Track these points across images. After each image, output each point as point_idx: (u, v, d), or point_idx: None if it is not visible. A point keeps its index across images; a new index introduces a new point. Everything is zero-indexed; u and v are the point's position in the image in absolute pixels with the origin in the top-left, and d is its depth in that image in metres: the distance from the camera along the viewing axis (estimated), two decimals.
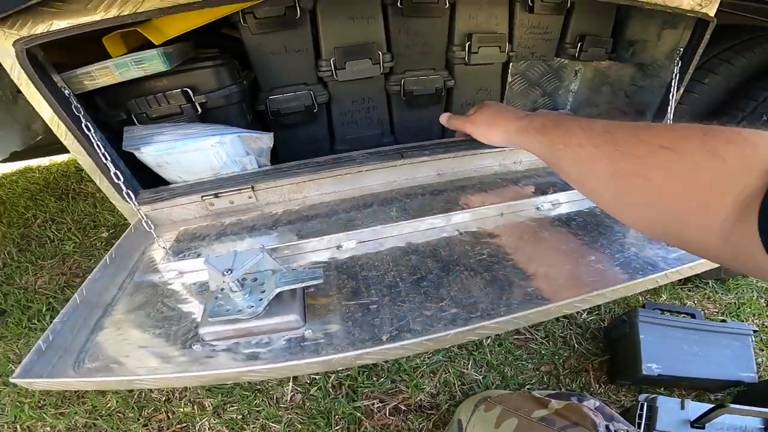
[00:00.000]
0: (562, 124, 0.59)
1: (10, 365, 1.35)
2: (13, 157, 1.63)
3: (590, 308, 1.42)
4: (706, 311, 1.46)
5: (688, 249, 0.46)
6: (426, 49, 1.09)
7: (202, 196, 0.88)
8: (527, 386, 1.27)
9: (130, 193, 0.76)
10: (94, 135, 0.72)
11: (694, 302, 1.49)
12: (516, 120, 0.70)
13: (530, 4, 1.06)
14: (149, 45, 0.76)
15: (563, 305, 0.64)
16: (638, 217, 0.50)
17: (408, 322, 0.62)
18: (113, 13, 0.64)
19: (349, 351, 0.58)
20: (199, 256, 0.77)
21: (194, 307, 0.69)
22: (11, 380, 0.56)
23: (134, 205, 0.76)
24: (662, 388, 1.24)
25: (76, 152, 0.77)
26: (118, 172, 0.74)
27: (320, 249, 0.79)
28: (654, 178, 0.44)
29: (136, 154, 0.79)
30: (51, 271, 1.68)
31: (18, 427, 1.19)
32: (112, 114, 0.84)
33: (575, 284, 0.67)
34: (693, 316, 1.30)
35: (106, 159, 0.73)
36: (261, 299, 0.61)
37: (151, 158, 0.80)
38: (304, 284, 0.61)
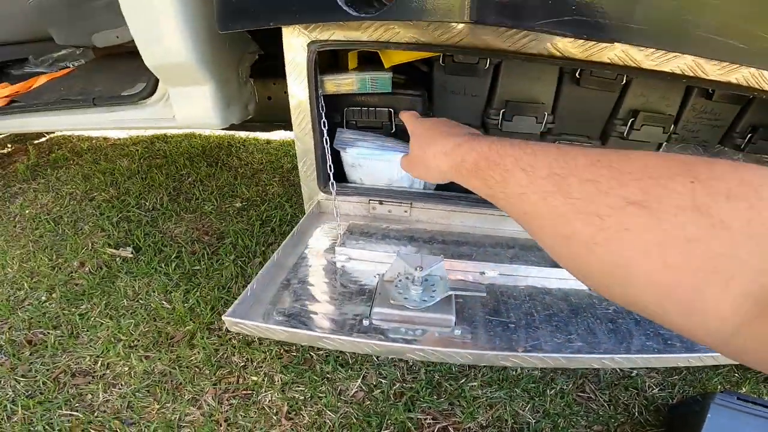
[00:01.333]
0: (500, 161, 0.42)
1: (125, 300, 1.45)
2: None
3: (663, 384, 1.36)
4: None
5: (680, 333, 0.32)
6: (586, 117, 1.12)
7: (369, 200, 1.01)
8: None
9: (335, 183, 0.89)
10: (326, 129, 0.86)
11: None
12: (447, 153, 0.53)
13: (710, 92, 1.02)
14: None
15: (671, 359, 0.72)
16: (608, 293, 0.34)
17: (540, 343, 0.72)
18: (375, 36, 0.78)
19: (493, 351, 0.67)
20: (368, 247, 0.89)
21: (363, 289, 0.80)
22: (223, 318, 0.67)
23: (333, 193, 0.89)
24: None
25: (300, 139, 0.94)
26: (332, 164, 0.87)
27: (468, 270, 0.88)
28: (621, 250, 0.30)
29: (342, 152, 0.93)
30: (189, 225, 1.87)
31: (100, 361, 1.24)
32: (330, 116, 1.01)
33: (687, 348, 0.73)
34: None
35: (327, 151, 0.87)
36: (433, 296, 0.71)
37: (350, 158, 0.94)
38: (470, 293, 0.70)
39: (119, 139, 2.68)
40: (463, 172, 0.49)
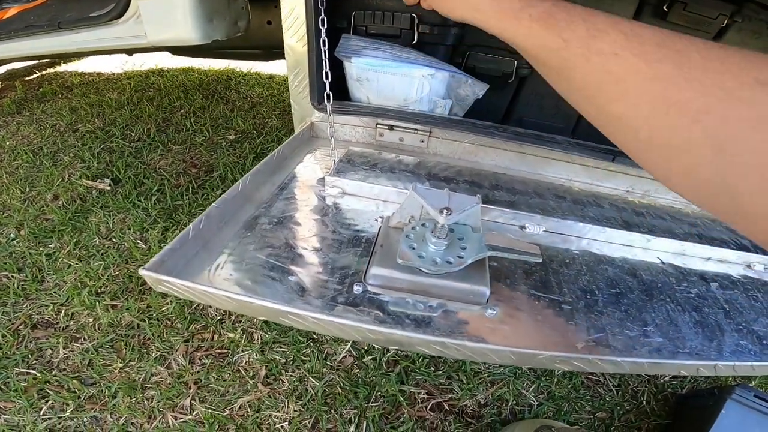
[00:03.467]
0: (591, 18, 0.35)
1: (97, 239, 1.29)
2: (194, 51, 1.65)
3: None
4: None
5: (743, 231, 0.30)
6: None
7: (377, 124, 0.74)
8: (576, 426, 1.08)
9: (330, 95, 0.62)
10: (324, 29, 0.62)
11: None
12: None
13: None
14: None
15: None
16: (698, 164, 0.30)
17: (607, 336, 0.49)
18: None
19: (542, 349, 0.45)
20: (366, 180, 0.64)
21: (359, 237, 0.54)
22: (141, 272, 0.43)
23: (328, 108, 0.62)
24: None
25: (291, 46, 0.72)
26: (329, 73, 0.61)
27: (501, 221, 0.61)
28: (741, 122, 0.27)
29: (345, 62, 0.69)
30: (175, 156, 1.68)
31: (63, 311, 1.10)
32: (334, 20, 0.79)
33: None
34: None
35: (325, 56, 0.62)
36: (462, 257, 0.45)
37: (356, 70, 0.71)
38: (519, 257, 0.44)
39: (113, 73, 2.48)
40: (521, 16, 0.39)
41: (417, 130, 0.76)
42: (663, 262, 0.64)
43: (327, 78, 0.64)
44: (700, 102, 0.28)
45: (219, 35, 0.97)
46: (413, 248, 0.47)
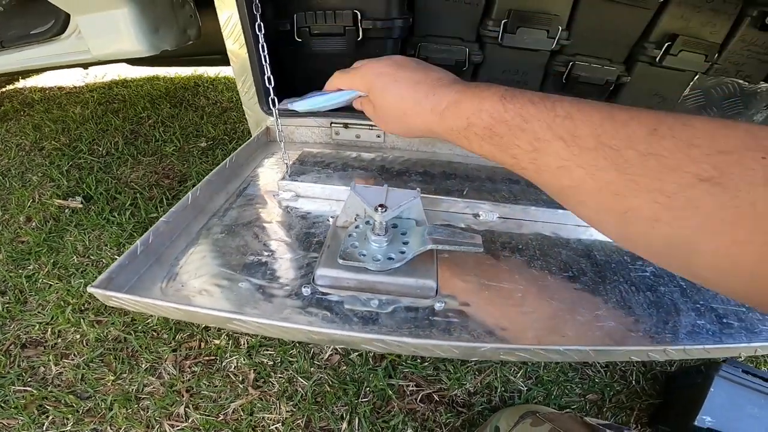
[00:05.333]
0: (527, 126, 0.36)
1: (75, 257, 1.29)
2: (150, 62, 1.63)
3: None
4: None
5: (742, 300, 0.33)
6: (609, 38, 0.92)
7: (332, 123, 0.75)
8: (568, 409, 1.10)
9: (275, 99, 0.63)
10: (262, 36, 0.65)
11: None
12: (441, 112, 0.44)
13: (766, 23, 0.86)
14: None
15: (732, 348, 0.50)
16: (667, 265, 0.33)
17: (557, 322, 0.49)
18: None
19: (489, 342, 0.46)
20: (321, 182, 0.63)
21: (308, 240, 0.55)
22: (88, 289, 0.43)
23: (275, 112, 0.63)
24: None
25: (234, 52, 0.72)
26: (270, 77, 0.61)
27: (454, 211, 0.62)
28: (687, 228, 0.28)
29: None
30: (146, 168, 1.66)
31: (50, 329, 1.10)
32: (276, 23, 0.78)
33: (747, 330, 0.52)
34: None
35: (265, 61, 0.62)
36: (404, 252, 0.46)
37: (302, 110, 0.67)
38: (460, 248, 0.45)
39: (75, 86, 2.42)
40: (469, 136, 0.42)
41: (372, 125, 0.77)
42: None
43: (270, 83, 0.64)
44: (648, 209, 0.29)
45: (168, 45, 0.95)
46: (355, 246, 0.49)
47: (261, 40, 0.62)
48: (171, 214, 0.55)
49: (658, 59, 0.89)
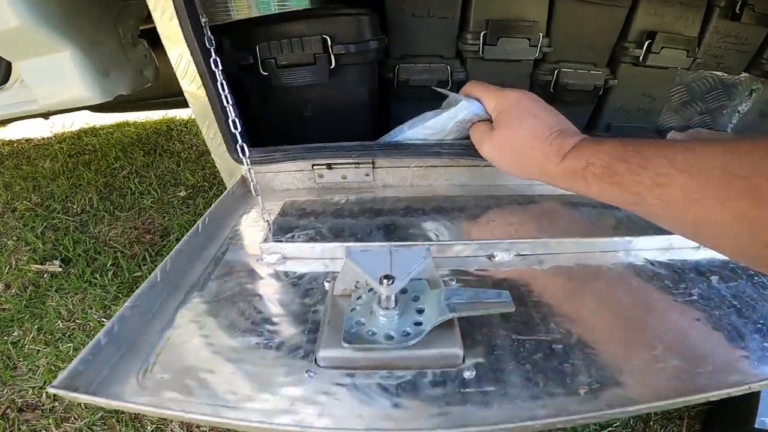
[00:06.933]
0: (647, 163, 0.35)
1: (59, 322, 1.20)
2: (114, 108, 1.53)
3: None
4: None
5: None
6: (588, 42, 0.86)
7: (314, 165, 0.65)
8: (610, 427, 1.00)
9: (244, 147, 0.53)
10: (219, 73, 0.51)
11: None
12: (563, 153, 0.44)
13: (737, 12, 0.82)
14: None
15: None
16: None
17: (612, 372, 0.38)
18: None
19: (538, 409, 0.34)
20: (310, 239, 0.53)
21: (304, 312, 0.45)
22: (48, 389, 0.34)
23: (246, 161, 0.53)
24: None
25: (192, 94, 0.60)
26: (236, 121, 0.51)
27: (466, 255, 0.53)
28: None
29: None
30: (125, 224, 1.54)
31: (44, 394, 1.02)
32: (237, 57, 0.67)
33: None
34: None
35: (227, 102, 0.51)
36: (420, 324, 0.36)
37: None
38: (487, 311, 0.36)
39: (43, 138, 2.28)
40: (587, 176, 0.40)
41: (358, 163, 0.67)
42: (653, 263, 0.55)
43: (236, 128, 0.54)
44: None
45: (123, 89, 0.84)
46: (362, 324, 0.39)
47: (219, 77, 0.51)
48: (137, 296, 0.45)
49: (641, 58, 0.84)
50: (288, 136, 0.70)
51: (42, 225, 1.54)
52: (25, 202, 1.67)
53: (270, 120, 0.77)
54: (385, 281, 0.34)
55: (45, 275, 1.34)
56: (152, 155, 1.92)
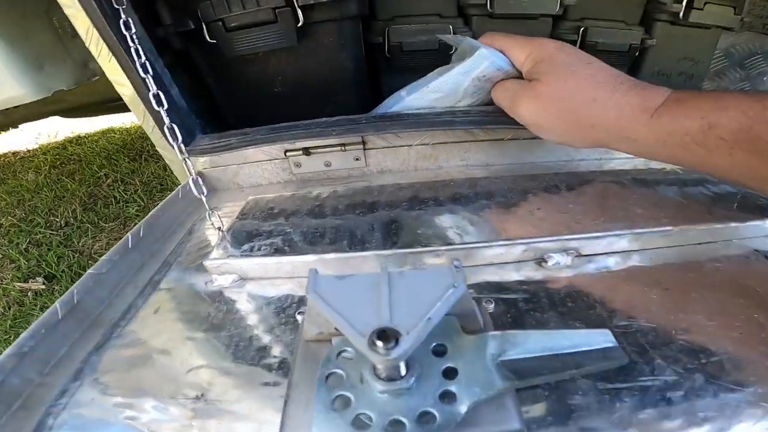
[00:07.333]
0: (718, 98, 0.28)
1: None
2: (72, 113, 1.39)
3: None
4: None
5: None
6: None
7: (286, 152, 0.48)
8: None
9: (174, 128, 0.36)
10: (132, 37, 0.36)
11: None
12: (642, 110, 0.33)
13: None
14: None
15: None
16: None
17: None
18: None
19: None
20: (276, 251, 0.36)
21: (271, 355, 0.29)
22: None
23: (179, 152, 0.37)
24: None
25: (117, 83, 0.45)
26: (159, 95, 0.36)
27: (507, 261, 0.35)
28: None
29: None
30: (110, 235, 1.42)
31: None
32: (176, 23, 0.50)
33: None
34: None
35: (145, 72, 0.36)
36: (453, 397, 0.19)
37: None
38: (581, 373, 0.18)
39: (29, 150, 2.18)
40: (708, 142, 0.30)
41: (344, 144, 0.50)
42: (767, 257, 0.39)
43: (162, 104, 0.37)
44: None
45: (62, 84, 0.71)
46: (348, 402, 0.21)
47: (133, 42, 0.35)
48: (26, 338, 0.29)
49: (681, 15, 0.67)
50: (258, 123, 0.53)
51: (26, 241, 1.43)
52: (9, 217, 1.56)
53: (233, 102, 0.60)
54: (380, 344, 0.16)
55: (29, 293, 1.26)
56: (138, 161, 1.78)
